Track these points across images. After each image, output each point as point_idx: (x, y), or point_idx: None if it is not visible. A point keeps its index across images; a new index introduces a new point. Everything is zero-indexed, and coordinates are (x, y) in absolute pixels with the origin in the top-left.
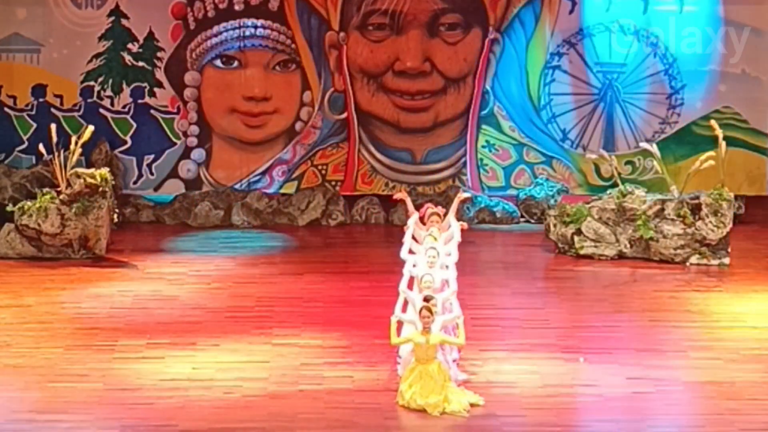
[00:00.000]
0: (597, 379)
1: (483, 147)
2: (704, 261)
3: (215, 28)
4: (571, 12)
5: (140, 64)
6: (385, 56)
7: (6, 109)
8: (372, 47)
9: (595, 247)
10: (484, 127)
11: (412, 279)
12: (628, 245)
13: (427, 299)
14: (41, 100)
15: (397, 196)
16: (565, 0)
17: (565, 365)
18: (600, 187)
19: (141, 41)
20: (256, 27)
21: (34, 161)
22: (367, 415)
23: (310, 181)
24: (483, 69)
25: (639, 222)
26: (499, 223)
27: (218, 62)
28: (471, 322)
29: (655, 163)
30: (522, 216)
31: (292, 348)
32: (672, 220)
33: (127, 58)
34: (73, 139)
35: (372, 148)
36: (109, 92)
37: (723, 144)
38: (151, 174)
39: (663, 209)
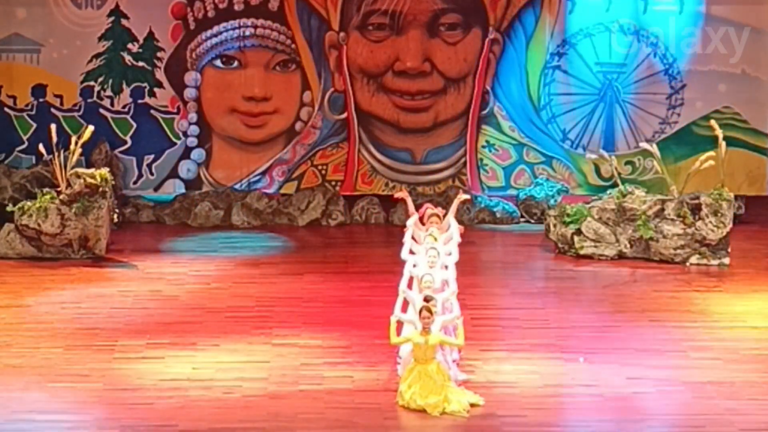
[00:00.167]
0: (597, 379)
1: (483, 147)
2: (704, 261)
3: (215, 28)
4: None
5: (140, 64)
6: (385, 56)
7: (6, 109)
8: (372, 47)
9: (595, 247)
10: (484, 127)
11: (411, 279)
12: (628, 245)
13: (427, 299)
14: (41, 100)
15: (398, 195)
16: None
17: (565, 365)
18: (600, 187)
19: (141, 41)
20: (256, 27)
21: (34, 161)
22: (366, 415)
23: (310, 181)
24: (483, 69)
25: (639, 222)
26: (499, 223)
27: (218, 62)
28: (471, 322)
29: (655, 163)
30: (522, 216)
31: (292, 348)
32: (672, 220)
33: (127, 58)
34: (73, 139)
35: (372, 148)
36: (109, 92)
37: (723, 144)
38: (151, 174)
39: (663, 209)
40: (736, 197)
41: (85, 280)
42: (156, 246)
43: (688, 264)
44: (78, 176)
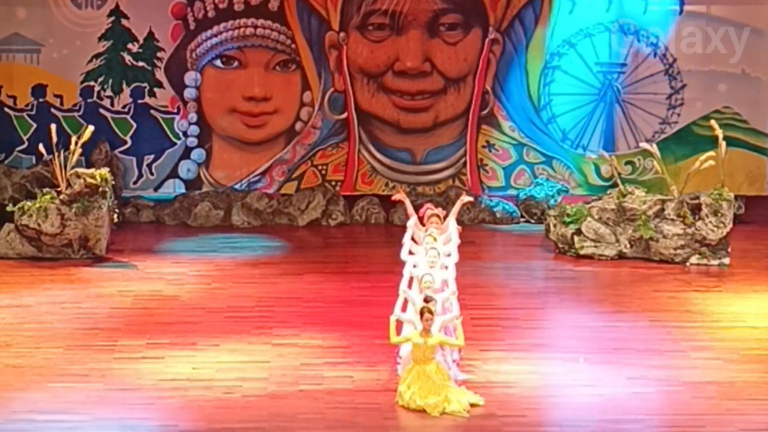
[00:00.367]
0: (597, 379)
1: (483, 147)
2: (704, 261)
3: (215, 28)
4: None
5: (140, 64)
6: (385, 56)
7: (6, 109)
8: (372, 47)
9: (595, 247)
10: (484, 127)
11: (411, 279)
12: (628, 245)
13: (426, 300)
14: (41, 100)
15: (396, 197)
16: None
17: (565, 365)
18: (600, 187)
19: (141, 41)
20: (256, 27)
21: (34, 161)
22: (366, 415)
23: (310, 181)
24: (483, 69)
25: (639, 222)
26: (499, 223)
27: (218, 62)
28: (471, 322)
29: (655, 163)
30: (522, 216)
31: (292, 348)
32: (672, 220)
33: (127, 58)
34: (73, 139)
35: (372, 148)
36: (109, 92)
37: (723, 144)
38: (151, 174)
39: (663, 209)
40: (736, 197)
41: (85, 280)
42: (156, 246)
43: (688, 264)
44: (78, 176)
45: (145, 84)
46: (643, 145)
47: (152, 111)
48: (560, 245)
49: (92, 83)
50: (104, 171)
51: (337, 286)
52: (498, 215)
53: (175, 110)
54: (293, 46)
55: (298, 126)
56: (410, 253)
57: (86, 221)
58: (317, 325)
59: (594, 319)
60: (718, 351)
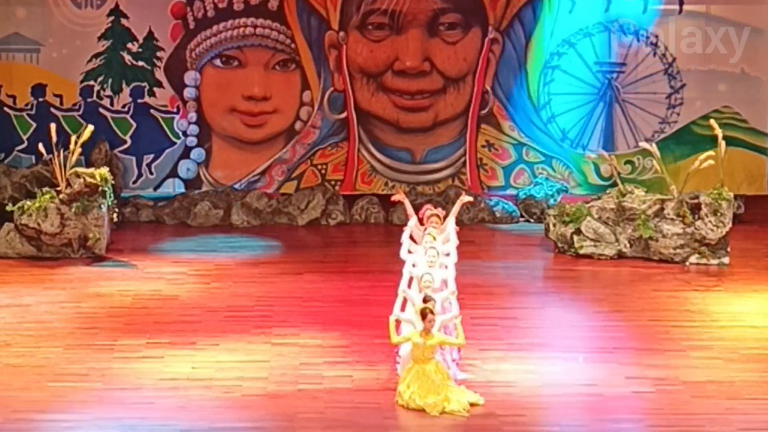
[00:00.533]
0: (597, 379)
1: (483, 147)
2: (704, 261)
3: (215, 28)
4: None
5: (140, 63)
6: (385, 56)
7: (6, 108)
8: (372, 47)
9: (595, 246)
10: (483, 126)
11: (411, 278)
12: (628, 245)
13: (425, 299)
14: (41, 99)
15: (395, 198)
16: None
17: (565, 365)
18: (599, 187)
19: (141, 41)
20: (255, 26)
21: (33, 161)
22: (366, 415)
23: (309, 180)
24: (483, 69)
25: (638, 221)
26: (498, 222)
27: (218, 62)
28: (471, 322)
29: (654, 162)
30: (522, 216)
31: (291, 348)
32: (671, 219)
33: (127, 57)
34: (73, 138)
35: (372, 148)
36: (108, 92)
37: (722, 144)
38: (151, 173)
39: (662, 209)
40: (736, 197)
41: (85, 280)
42: (156, 246)
43: (687, 263)
44: (78, 176)
45: (145, 83)
46: (643, 144)
47: (152, 110)
48: (560, 245)
49: (92, 83)
50: (104, 170)
51: (336, 285)
52: (498, 215)
53: (175, 110)
54: (293, 45)
55: (298, 125)
56: (409, 252)
57: (86, 221)
58: (317, 325)
59: (594, 318)
60: (717, 350)
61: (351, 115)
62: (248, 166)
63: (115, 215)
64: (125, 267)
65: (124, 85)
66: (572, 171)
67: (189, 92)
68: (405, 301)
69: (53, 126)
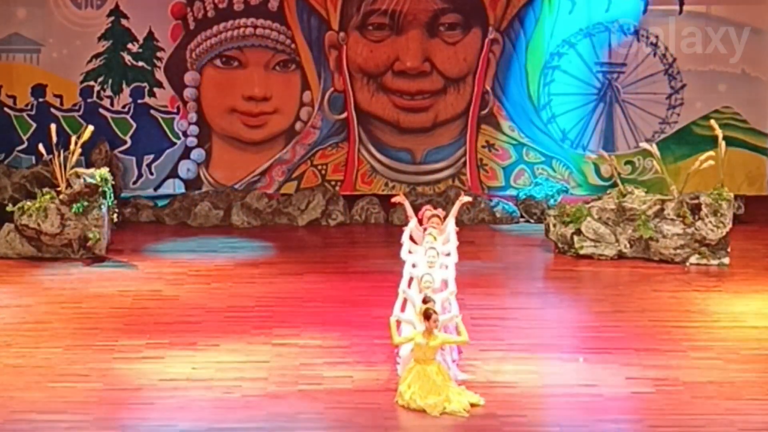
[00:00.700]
0: (597, 379)
1: (483, 147)
2: (704, 261)
3: (215, 28)
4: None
5: (140, 64)
6: (385, 56)
7: (6, 109)
8: (372, 47)
9: (595, 247)
10: (483, 126)
11: (411, 279)
12: (628, 245)
13: (425, 300)
14: (41, 100)
15: (396, 199)
16: None
17: (565, 365)
18: (600, 187)
19: (141, 41)
20: (255, 27)
21: (33, 161)
22: (366, 415)
23: (309, 181)
24: (483, 69)
25: (639, 222)
26: (498, 223)
27: (218, 62)
28: (471, 322)
29: (654, 163)
30: (522, 216)
31: (291, 348)
32: (672, 220)
33: (127, 58)
34: (73, 139)
35: (372, 148)
36: (108, 92)
37: (723, 144)
38: (151, 174)
39: (663, 209)
40: (736, 197)
41: (85, 280)
42: (156, 246)
43: (687, 264)
44: (78, 176)
45: (145, 84)
46: (643, 144)
47: (152, 111)
48: (560, 245)
49: (92, 83)
50: (104, 171)
51: (336, 286)
52: (498, 215)
53: (175, 110)
54: (293, 46)
55: (298, 126)
56: (409, 252)
57: (86, 221)
58: (317, 325)
59: (594, 319)
60: (718, 351)
61: (351, 115)
62: (248, 166)
63: (115, 216)
64: (125, 267)
65: (124, 86)
66: (572, 171)
67: (189, 92)
68: (405, 301)
69: (53, 126)
